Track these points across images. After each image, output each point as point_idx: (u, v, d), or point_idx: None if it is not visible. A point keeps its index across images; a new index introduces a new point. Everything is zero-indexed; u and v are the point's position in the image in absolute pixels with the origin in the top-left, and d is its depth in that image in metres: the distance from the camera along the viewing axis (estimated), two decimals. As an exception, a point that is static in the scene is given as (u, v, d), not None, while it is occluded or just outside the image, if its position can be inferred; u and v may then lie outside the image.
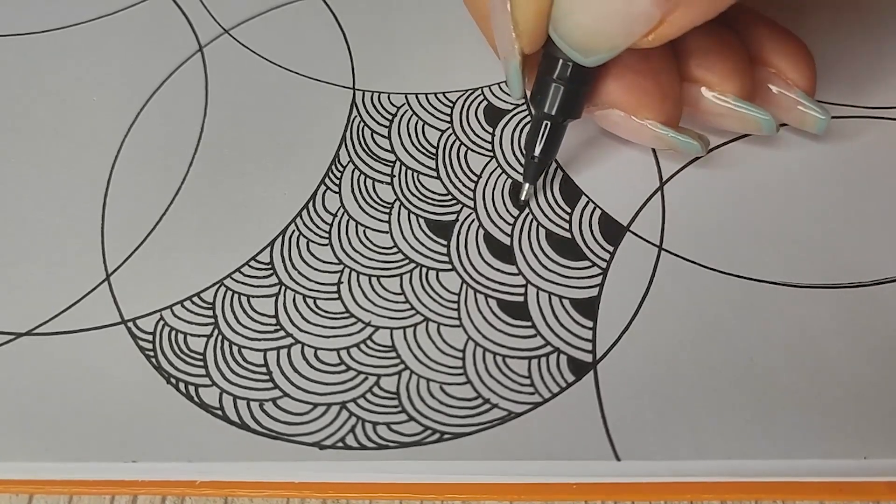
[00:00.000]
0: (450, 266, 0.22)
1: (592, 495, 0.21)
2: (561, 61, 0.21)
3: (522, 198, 0.23)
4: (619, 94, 0.22)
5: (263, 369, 0.21)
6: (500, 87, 0.25)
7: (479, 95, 0.25)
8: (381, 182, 0.24)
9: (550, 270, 0.22)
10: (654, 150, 0.24)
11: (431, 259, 0.22)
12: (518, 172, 0.24)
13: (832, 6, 0.27)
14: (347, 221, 0.23)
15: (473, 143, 0.24)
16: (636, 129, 0.22)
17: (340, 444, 0.20)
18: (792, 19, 0.25)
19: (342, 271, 0.22)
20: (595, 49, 0.19)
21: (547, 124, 0.22)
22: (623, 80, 0.21)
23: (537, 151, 0.22)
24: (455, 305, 0.22)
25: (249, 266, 0.22)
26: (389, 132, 0.25)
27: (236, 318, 0.22)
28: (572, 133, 0.24)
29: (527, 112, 0.25)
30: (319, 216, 0.23)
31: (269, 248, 0.23)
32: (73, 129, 0.25)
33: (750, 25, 0.23)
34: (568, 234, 0.23)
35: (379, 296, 0.22)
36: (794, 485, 0.20)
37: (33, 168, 0.24)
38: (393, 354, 0.21)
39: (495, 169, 0.24)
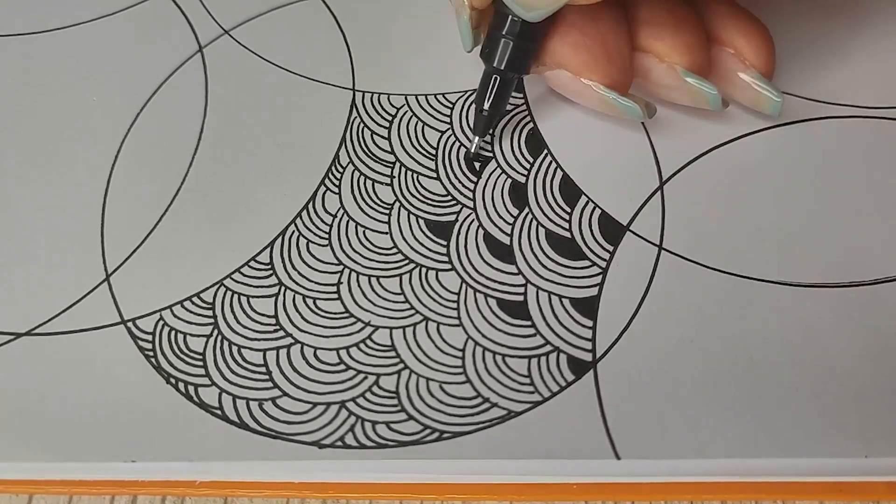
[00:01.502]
0: (449, 266, 0.22)
1: (593, 495, 0.20)
2: (510, 17, 0.22)
3: (472, 150, 0.24)
4: (565, 54, 0.22)
5: (263, 369, 0.21)
6: (499, 87, 0.25)
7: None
8: (381, 183, 0.24)
9: (550, 270, 0.22)
10: (653, 150, 0.24)
11: (431, 259, 0.22)
12: (518, 172, 0.24)
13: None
14: (347, 222, 0.23)
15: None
16: (581, 89, 0.23)
17: (340, 444, 0.20)
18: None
19: (342, 272, 0.22)
20: (535, 4, 0.20)
21: (496, 79, 0.23)
22: (570, 40, 0.22)
23: (486, 105, 0.23)
24: (455, 305, 0.22)
25: (249, 266, 0.22)
26: (389, 133, 0.25)
27: (236, 318, 0.22)
28: (573, 132, 0.24)
29: (526, 112, 0.25)
30: (319, 217, 0.23)
31: (268, 249, 0.23)
32: (73, 129, 0.25)
33: (711, 4, 0.23)
34: (568, 234, 0.23)
35: (378, 296, 0.22)
36: (794, 485, 0.20)
37: (33, 168, 0.24)
38: (392, 354, 0.21)
39: (495, 169, 0.24)
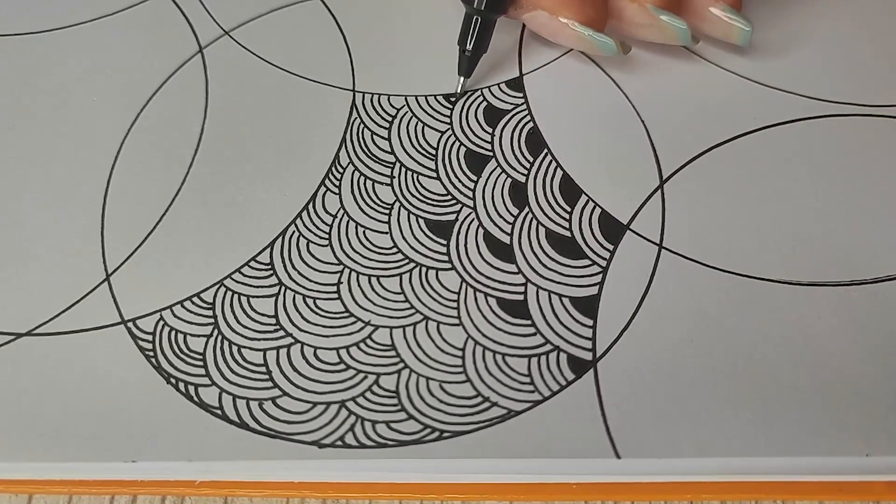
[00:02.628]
0: (449, 265, 0.22)
1: (592, 495, 0.20)
2: None
3: (458, 91, 0.25)
4: None
5: (263, 369, 0.21)
6: (499, 87, 0.25)
7: (478, 96, 0.25)
8: (381, 183, 0.24)
9: (550, 269, 0.22)
10: (653, 149, 0.24)
11: (431, 259, 0.22)
12: (518, 171, 0.24)
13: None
14: (347, 222, 0.23)
15: (473, 143, 0.24)
16: (559, 28, 0.24)
17: (340, 443, 0.20)
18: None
19: (342, 271, 0.22)
20: None
21: (477, 19, 0.24)
22: None
23: (469, 45, 0.25)
24: (455, 304, 0.22)
25: (249, 266, 0.22)
26: (389, 134, 0.25)
27: (236, 318, 0.22)
28: (573, 132, 0.24)
29: (526, 112, 0.25)
30: (319, 217, 0.23)
31: (268, 249, 0.23)
32: (74, 129, 0.25)
33: None
34: (568, 233, 0.23)
35: (378, 295, 0.22)
36: (794, 485, 0.20)
37: (33, 168, 0.24)
38: (392, 353, 0.21)
39: (495, 168, 0.24)
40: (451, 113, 0.25)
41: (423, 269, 0.22)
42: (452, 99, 0.25)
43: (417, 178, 0.24)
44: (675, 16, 0.24)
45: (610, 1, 0.24)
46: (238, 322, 0.21)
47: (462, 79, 0.25)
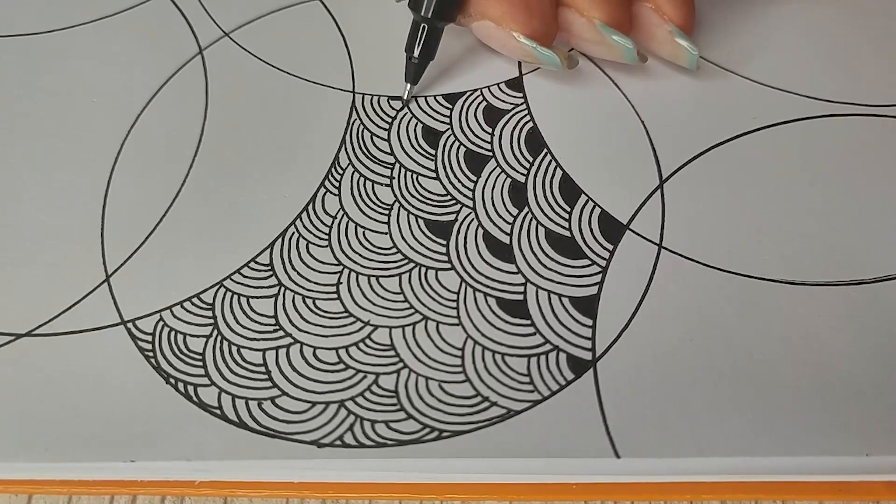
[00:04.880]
0: (449, 265, 0.22)
1: (592, 495, 0.20)
2: None
3: (405, 98, 0.25)
4: (488, 4, 0.24)
5: (262, 369, 0.21)
6: (499, 87, 0.25)
7: (478, 96, 0.25)
8: (381, 184, 0.24)
9: (550, 269, 0.22)
10: (653, 149, 0.24)
11: (431, 259, 0.22)
12: (517, 171, 0.24)
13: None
14: (347, 223, 0.23)
15: (473, 143, 0.24)
16: (504, 39, 0.24)
17: (339, 443, 0.20)
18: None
19: (341, 272, 0.22)
20: None
21: (424, 27, 0.24)
22: None
23: (416, 53, 0.25)
24: (454, 304, 0.22)
25: (249, 267, 0.22)
26: (389, 135, 0.25)
27: (235, 318, 0.22)
28: (572, 131, 0.24)
29: (525, 112, 0.25)
30: (319, 218, 0.23)
31: (268, 250, 0.23)
32: (74, 130, 0.25)
33: None
34: (567, 233, 0.23)
35: (378, 295, 0.22)
36: (794, 484, 0.20)
37: (33, 169, 0.24)
38: (392, 353, 0.21)
39: (494, 168, 0.24)
40: (451, 113, 0.25)
41: (423, 270, 0.22)
42: (398, 105, 0.25)
43: (417, 178, 0.24)
44: (622, 35, 0.24)
45: (560, 13, 0.24)
46: (238, 322, 0.21)
47: (409, 85, 0.25)
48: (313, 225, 0.23)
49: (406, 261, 0.22)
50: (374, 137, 0.25)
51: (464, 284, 0.22)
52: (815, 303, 0.21)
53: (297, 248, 0.23)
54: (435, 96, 0.25)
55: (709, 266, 0.22)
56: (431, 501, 0.21)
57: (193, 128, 0.25)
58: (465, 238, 0.23)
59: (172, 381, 0.21)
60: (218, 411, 0.20)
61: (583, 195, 0.23)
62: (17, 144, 0.25)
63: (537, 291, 0.22)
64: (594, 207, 0.23)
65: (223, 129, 0.25)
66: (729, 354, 0.21)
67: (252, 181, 0.24)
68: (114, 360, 0.21)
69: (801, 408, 0.20)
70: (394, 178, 0.24)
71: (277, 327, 0.21)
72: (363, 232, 0.23)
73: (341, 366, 0.21)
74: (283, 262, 0.22)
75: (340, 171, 0.24)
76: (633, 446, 0.19)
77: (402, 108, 0.25)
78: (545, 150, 0.24)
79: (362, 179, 0.24)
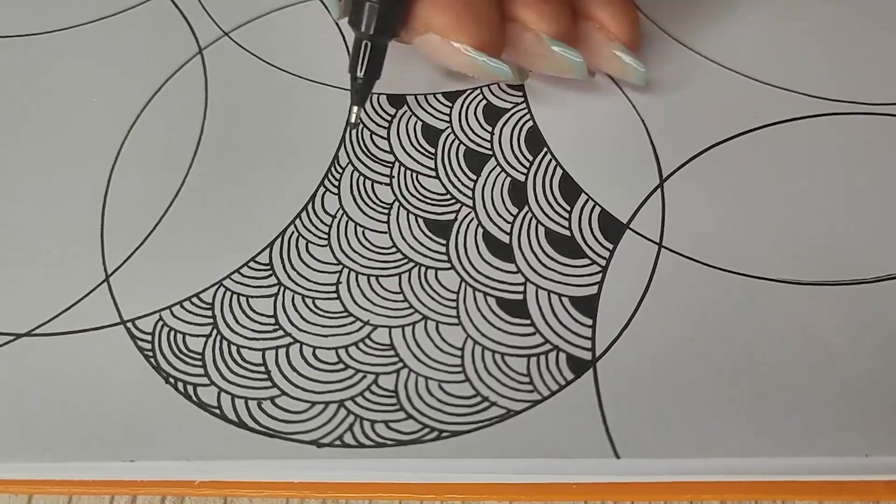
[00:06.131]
0: (449, 265, 0.22)
1: (592, 495, 0.20)
2: None
3: (352, 120, 0.24)
4: (432, 16, 0.23)
5: (262, 368, 0.21)
6: (499, 85, 0.25)
7: (478, 95, 0.25)
8: (381, 183, 0.24)
9: (550, 268, 0.22)
10: (653, 147, 0.24)
11: (430, 258, 0.22)
12: (517, 170, 0.24)
13: None
14: (346, 222, 0.23)
15: (473, 142, 0.24)
16: (451, 52, 0.23)
17: (338, 443, 0.20)
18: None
19: (341, 271, 0.22)
20: None
21: (366, 45, 0.23)
22: (436, 2, 0.22)
23: (360, 73, 0.23)
24: (454, 304, 0.22)
25: (248, 267, 0.22)
26: (388, 133, 0.25)
27: (235, 318, 0.22)
28: (572, 130, 0.24)
29: (525, 111, 0.25)
30: (319, 217, 0.23)
31: (268, 250, 0.23)
32: (73, 130, 0.25)
33: None
34: (567, 232, 0.23)
35: (378, 295, 0.22)
36: (794, 484, 0.20)
37: (33, 169, 0.24)
38: (391, 353, 0.21)
39: (494, 167, 0.24)
40: (451, 111, 0.25)
41: (423, 269, 0.22)
42: (349, 128, 0.25)
43: (417, 177, 0.24)
44: (568, 48, 0.23)
45: (508, 29, 0.23)
46: (237, 322, 0.21)
47: (356, 108, 0.24)
48: (313, 224, 0.23)
49: (406, 260, 0.22)
50: (374, 136, 0.25)
51: (463, 284, 0.22)
52: (815, 303, 0.21)
53: (297, 248, 0.23)
54: (435, 94, 0.25)
55: (709, 266, 0.22)
56: (431, 501, 0.21)
57: (193, 127, 0.25)
58: (465, 237, 0.23)
59: (172, 380, 0.21)
60: (218, 411, 0.20)
61: (583, 194, 0.23)
62: (17, 144, 0.25)
63: (537, 291, 0.22)
64: (594, 207, 0.23)
65: (223, 129, 0.25)
66: (729, 354, 0.20)
67: (252, 181, 0.24)
68: (113, 359, 0.21)
69: (802, 408, 0.20)
70: (393, 177, 0.24)
71: (277, 327, 0.21)
72: (363, 231, 0.23)
73: (341, 365, 0.21)
74: (282, 262, 0.22)
75: (340, 171, 0.24)
76: (633, 446, 0.19)
77: (352, 129, 0.25)
78: (545, 149, 0.24)
79: (362, 178, 0.24)
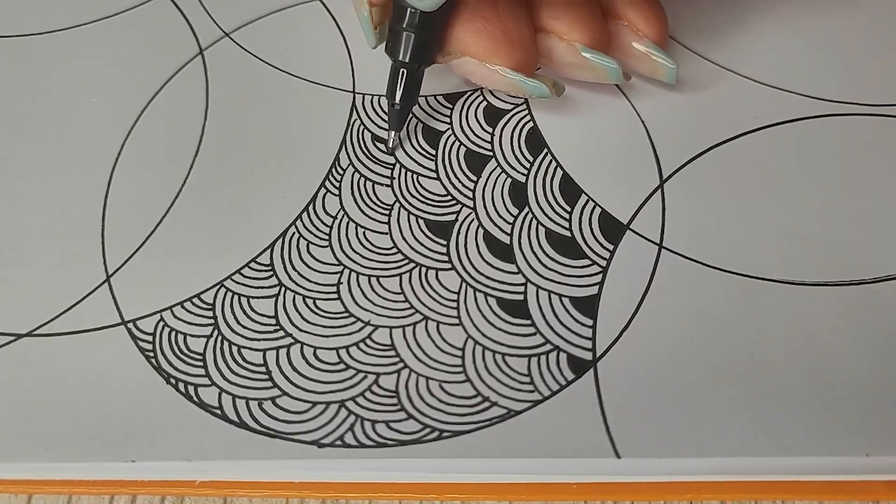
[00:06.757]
0: (449, 265, 0.22)
1: (592, 495, 0.20)
2: (408, 10, 0.22)
3: (390, 146, 0.24)
4: (468, 41, 0.23)
5: (263, 369, 0.21)
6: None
7: (478, 96, 0.25)
8: (381, 184, 0.24)
9: (550, 269, 0.22)
10: (653, 148, 0.24)
11: (431, 259, 0.22)
12: (518, 171, 0.24)
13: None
14: (347, 223, 0.23)
15: (473, 143, 0.24)
16: (488, 75, 0.23)
17: (339, 443, 0.20)
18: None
19: (342, 272, 0.22)
20: None
21: (403, 72, 0.23)
22: (471, 27, 0.23)
23: (397, 99, 0.24)
24: (454, 304, 0.22)
25: (249, 268, 0.22)
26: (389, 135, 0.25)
27: (236, 318, 0.22)
28: (573, 131, 0.24)
29: (526, 112, 0.25)
30: (319, 218, 0.23)
31: (269, 250, 0.23)
32: (74, 130, 0.25)
33: None
34: (568, 233, 0.23)
35: (378, 295, 0.22)
36: (794, 484, 0.20)
37: (34, 169, 0.24)
38: (392, 353, 0.21)
39: (495, 168, 0.24)
40: (451, 112, 0.25)
41: (423, 270, 0.22)
42: (385, 150, 0.25)
43: (417, 178, 0.24)
44: (602, 54, 0.23)
45: (539, 41, 0.24)
46: (238, 322, 0.21)
47: (394, 133, 0.24)
48: (314, 225, 0.23)
49: (406, 261, 0.22)
50: (375, 138, 0.25)
51: (464, 284, 0.22)
52: (814, 303, 0.21)
53: (298, 249, 0.23)
54: (435, 96, 0.25)
55: (709, 266, 0.22)
56: (431, 501, 0.21)
57: (194, 128, 0.25)
58: (466, 238, 0.23)
59: (173, 381, 0.21)
60: (218, 411, 0.20)
61: (583, 195, 0.23)
62: (17, 144, 0.25)
63: (537, 291, 0.22)
64: (594, 207, 0.23)
65: (223, 130, 0.25)
66: (729, 354, 0.21)
67: (252, 181, 0.24)
68: (114, 360, 0.21)
69: (801, 408, 0.20)
70: (394, 178, 0.24)
71: (278, 327, 0.21)
72: (363, 232, 0.23)
73: (342, 366, 0.21)
74: (283, 262, 0.22)
75: (341, 172, 0.24)
76: (633, 446, 0.19)
77: (389, 153, 0.24)
78: (545, 150, 0.24)
79: (363, 179, 0.24)
